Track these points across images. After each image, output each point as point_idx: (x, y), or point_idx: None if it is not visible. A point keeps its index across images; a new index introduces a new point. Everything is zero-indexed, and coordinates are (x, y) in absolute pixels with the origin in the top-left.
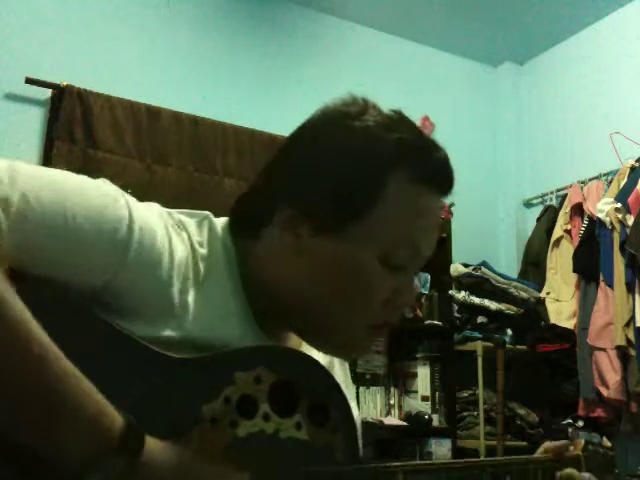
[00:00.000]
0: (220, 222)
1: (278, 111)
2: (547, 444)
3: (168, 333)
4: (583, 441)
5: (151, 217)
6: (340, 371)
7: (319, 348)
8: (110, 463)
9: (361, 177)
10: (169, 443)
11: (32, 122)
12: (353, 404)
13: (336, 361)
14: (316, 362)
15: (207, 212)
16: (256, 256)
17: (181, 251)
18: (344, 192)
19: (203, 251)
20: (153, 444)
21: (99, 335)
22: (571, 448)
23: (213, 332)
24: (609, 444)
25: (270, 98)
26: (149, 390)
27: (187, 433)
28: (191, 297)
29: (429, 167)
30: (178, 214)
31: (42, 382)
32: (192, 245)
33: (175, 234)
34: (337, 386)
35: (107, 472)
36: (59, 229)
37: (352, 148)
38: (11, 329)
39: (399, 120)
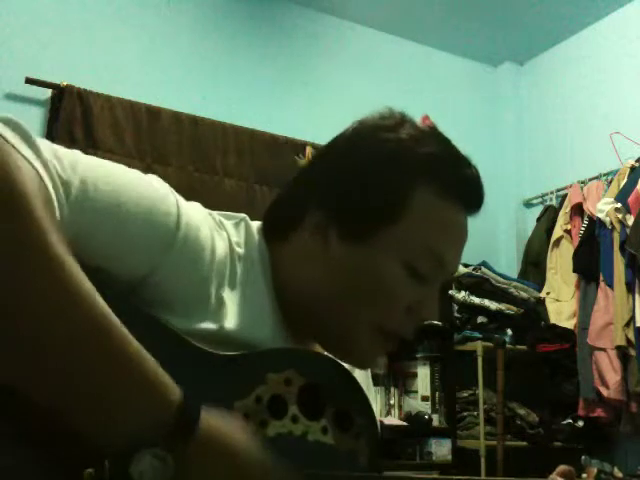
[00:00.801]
0: (255, 225)
1: (278, 111)
2: (561, 468)
3: (204, 326)
4: (596, 470)
5: (196, 215)
6: (362, 375)
7: (336, 355)
8: (168, 434)
9: (389, 187)
10: (224, 414)
11: (32, 122)
12: (374, 407)
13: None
14: (343, 368)
15: (243, 214)
16: (285, 259)
17: (221, 249)
18: (373, 201)
19: (241, 251)
20: (210, 416)
21: (137, 324)
22: (584, 476)
23: (246, 331)
24: (620, 474)
25: (270, 98)
26: (184, 382)
27: None
28: (227, 295)
29: (458, 182)
30: (218, 215)
31: (104, 345)
32: (231, 245)
33: (216, 233)
34: (362, 392)
35: (165, 443)
36: (111, 219)
37: (382, 158)
38: (77, 293)
39: (432, 135)
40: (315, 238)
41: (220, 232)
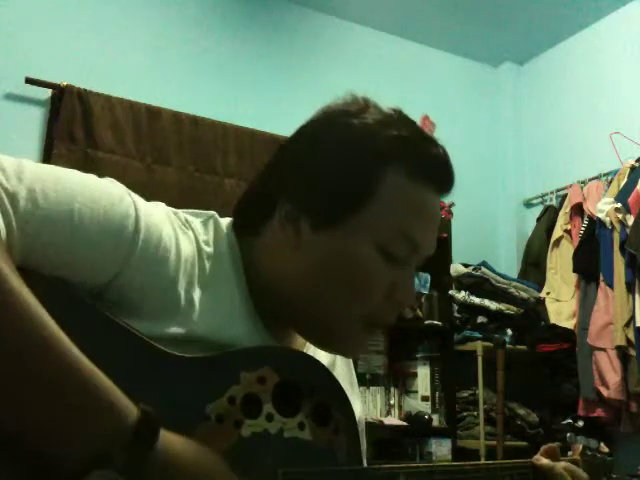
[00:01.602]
0: (225, 221)
1: (278, 111)
2: (545, 447)
3: (174, 330)
4: (581, 446)
5: (157, 215)
6: (344, 369)
7: (318, 345)
8: (121, 456)
9: (358, 171)
10: (185, 438)
11: (32, 122)
12: (358, 401)
13: (338, 359)
14: (319, 363)
15: (212, 212)
16: (257, 253)
17: (187, 249)
18: (342, 186)
19: (209, 250)
20: (168, 438)
21: (103, 332)
22: (570, 453)
23: (219, 330)
24: (607, 449)
25: (270, 98)
26: (154, 388)
27: (192, 432)
28: (197, 295)
29: (426, 163)
30: (184, 213)
31: (54, 367)
32: (198, 244)
33: (181, 232)
34: (339, 387)
35: (117, 465)
36: (65, 226)
37: (349, 143)
38: (21, 315)
39: (398, 118)
40: (287, 229)
41: (186, 231)
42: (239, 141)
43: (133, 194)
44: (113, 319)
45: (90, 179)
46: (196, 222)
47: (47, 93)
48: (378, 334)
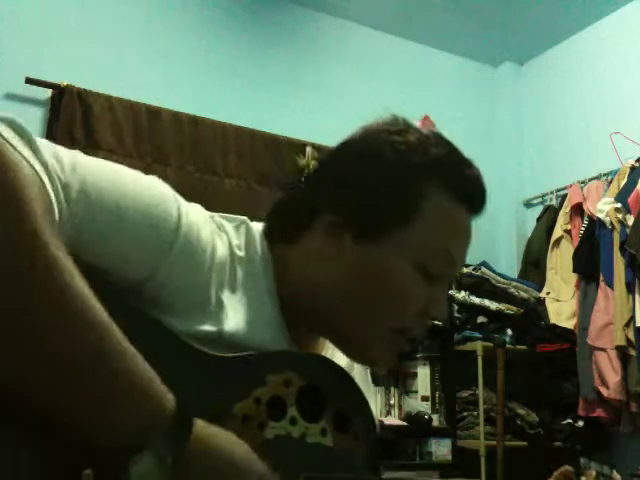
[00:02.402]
0: (257, 227)
1: (278, 111)
2: (555, 473)
3: (203, 329)
4: (594, 472)
5: (197, 217)
6: (361, 370)
7: (347, 354)
8: (162, 440)
9: (402, 188)
10: (221, 430)
11: (32, 122)
12: (372, 401)
13: (356, 364)
14: (342, 369)
15: (244, 217)
16: (291, 260)
17: (221, 252)
18: (386, 202)
19: (241, 254)
20: (204, 426)
21: (136, 325)
22: (583, 479)
23: (246, 333)
24: (619, 477)
25: (270, 98)
26: (184, 384)
27: None
28: (227, 297)
29: (465, 185)
30: (218, 217)
31: (105, 351)
32: (231, 247)
33: (217, 235)
34: (361, 393)
35: (159, 450)
36: (112, 220)
37: (395, 161)
38: (73, 295)
39: (437, 138)
40: (329, 240)
41: (220, 234)
42: (239, 141)
43: (177, 194)
44: (147, 313)
45: (137, 176)
46: (229, 226)
47: (47, 93)
48: (404, 345)
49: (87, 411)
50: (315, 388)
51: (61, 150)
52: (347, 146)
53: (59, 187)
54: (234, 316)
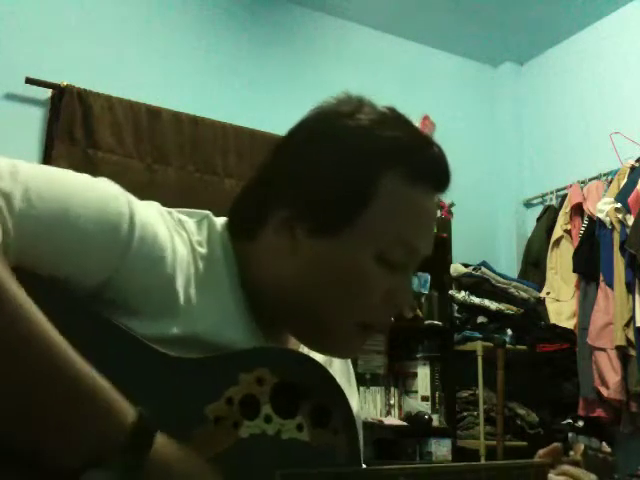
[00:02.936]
0: (219, 221)
1: (278, 111)
2: (541, 451)
3: (173, 331)
4: (583, 446)
5: (152, 215)
6: (341, 365)
7: (313, 348)
8: (117, 459)
9: (354, 176)
10: (181, 444)
11: (32, 122)
12: (355, 401)
13: (336, 359)
14: (317, 363)
15: (207, 211)
16: (253, 257)
17: (182, 249)
18: (338, 192)
19: (202, 250)
20: (164, 442)
21: (100, 333)
22: (571, 453)
23: (216, 332)
24: (609, 449)
25: (270, 98)
26: (152, 390)
27: (190, 434)
28: (194, 295)
29: (423, 164)
30: (177, 213)
31: (50, 368)
32: (192, 244)
33: (175, 233)
34: (338, 387)
35: (113, 468)
36: (60, 226)
37: (344, 147)
38: (21, 319)
39: (393, 118)
40: (282, 235)
41: (180, 232)
42: (239, 141)
43: (127, 194)
44: (109, 320)
45: (84, 179)
46: (190, 222)
47: (47, 93)
48: (374, 335)
49: (42, 428)
50: (290, 384)
51: None
52: (296, 133)
53: (0, 199)
54: (202, 315)
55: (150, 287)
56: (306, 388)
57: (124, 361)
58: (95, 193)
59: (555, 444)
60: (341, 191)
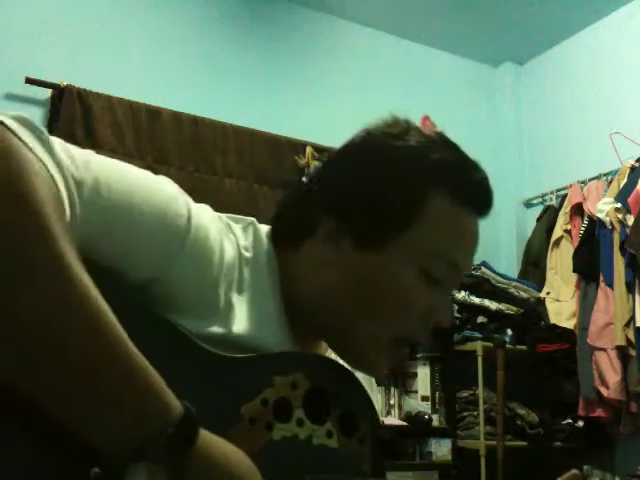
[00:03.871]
0: (264, 229)
1: (278, 111)
2: (560, 479)
3: (212, 329)
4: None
5: (206, 218)
6: (365, 377)
7: (346, 361)
8: (163, 449)
9: (403, 194)
10: (223, 440)
11: None
12: (375, 400)
13: None
14: (349, 372)
15: (252, 218)
16: (295, 266)
17: (229, 253)
18: (386, 208)
19: (248, 255)
20: (207, 436)
21: (148, 325)
22: None
23: (254, 335)
24: None
25: (270, 98)
26: (192, 384)
27: (225, 431)
28: (235, 298)
29: (469, 187)
30: (226, 218)
31: (105, 355)
32: (239, 248)
33: (225, 236)
34: (367, 397)
35: (159, 458)
36: (124, 219)
37: (395, 165)
38: (81, 303)
39: (440, 141)
40: (328, 246)
41: (228, 235)
42: (239, 141)
43: (185, 195)
44: (156, 313)
45: (149, 176)
46: (237, 227)
47: (47, 93)
48: (405, 352)
49: (94, 413)
50: (322, 390)
51: (74, 148)
52: (348, 150)
53: (72, 184)
54: (242, 317)
55: (195, 287)
56: (337, 395)
57: (167, 353)
58: (158, 192)
59: (574, 471)
60: (389, 207)
